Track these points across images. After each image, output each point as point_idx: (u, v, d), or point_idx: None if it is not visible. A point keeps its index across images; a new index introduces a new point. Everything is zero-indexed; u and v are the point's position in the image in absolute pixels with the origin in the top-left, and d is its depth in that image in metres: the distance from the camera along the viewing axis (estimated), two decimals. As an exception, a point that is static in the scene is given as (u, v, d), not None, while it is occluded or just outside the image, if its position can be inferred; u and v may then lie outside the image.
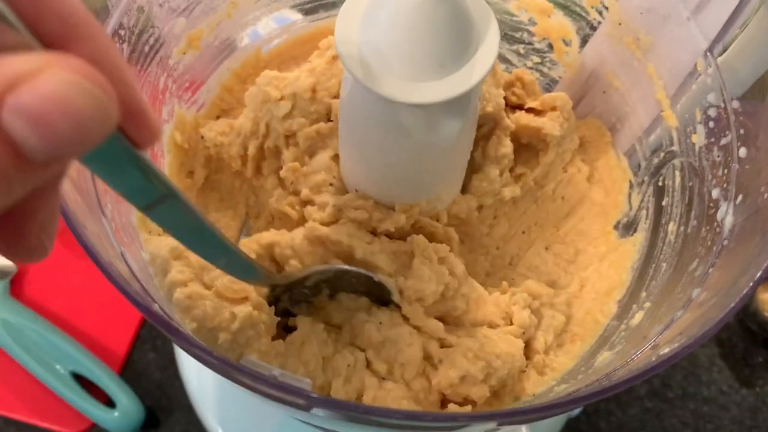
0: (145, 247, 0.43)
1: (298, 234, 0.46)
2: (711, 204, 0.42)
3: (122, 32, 0.43)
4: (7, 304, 0.67)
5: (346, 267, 0.45)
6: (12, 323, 0.65)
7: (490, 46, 0.38)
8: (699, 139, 0.45)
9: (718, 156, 0.43)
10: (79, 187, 0.37)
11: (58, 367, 0.64)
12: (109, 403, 0.64)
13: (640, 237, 0.50)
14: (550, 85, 0.57)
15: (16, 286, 0.70)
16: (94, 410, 0.63)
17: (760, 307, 0.71)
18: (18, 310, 0.66)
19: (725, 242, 0.39)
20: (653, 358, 0.31)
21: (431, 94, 0.37)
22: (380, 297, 0.46)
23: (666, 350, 0.32)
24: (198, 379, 0.63)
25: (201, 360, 0.30)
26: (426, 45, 0.36)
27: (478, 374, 0.43)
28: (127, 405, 0.64)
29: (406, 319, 0.45)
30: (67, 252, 0.70)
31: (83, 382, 0.64)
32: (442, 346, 0.45)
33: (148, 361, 0.69)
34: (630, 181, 0.52)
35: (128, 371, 0.68)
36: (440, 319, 0.46)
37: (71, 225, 0.33)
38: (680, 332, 0.34)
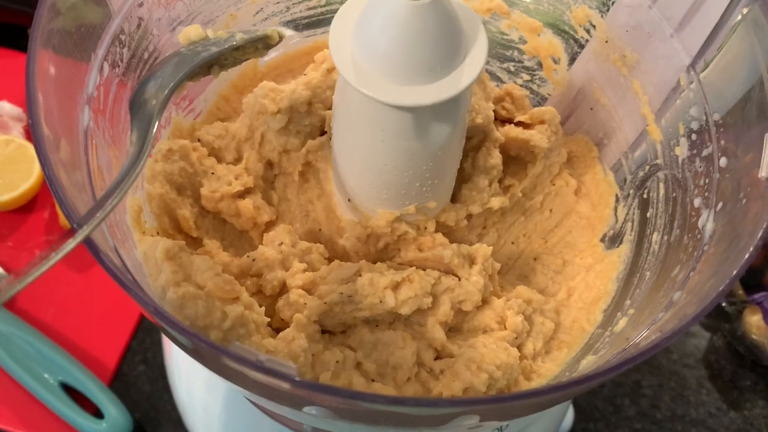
0: (138, 247, 0.44)
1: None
2: (693, 213, 0.43)
3: (123, 37, 0.45)
4: (-1, 313, 0.67)
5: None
6: (2, 332, 0.66)
7: (478, 53, 0.39)
8: (682, 151, 0.46)
9: (700, 166, 0.44)
10: (75, 182, 0.38)
11: (47, 376, 0.64)
12: (98, 414, 0.64)
13: (626, 248, 0.51)
14: (539, 102, 0.58)
15: (9, 295, 0.70)
16: (82, 421, 0.63)
17: (748, 329, 0.71)
18: (9, 319, 0.66)
19: (705, 247, 0.40)
20: (631, 351, 0.32)
21: (421, 97, 0.38)
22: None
23: (643, 344, 0.33)
24: (188, 392, 0.63)
25: (191, 346, 0.31)
26: (416, 50, 0.38)
27: (481, 387, 0.43)
28: (116, 416, 0.63)
29: (401, 321, 0.46)
30: (59, 263, 0.70)
31: (72, 392, 0.64)
32: (439, 354, 0.46)
33: (138, 374, 0.69)
34: (616, 195, 0.54)
35: (118, 383, 0.68)
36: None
37: (70, 218, 0.33)
38: (659, 329, 0.35)
